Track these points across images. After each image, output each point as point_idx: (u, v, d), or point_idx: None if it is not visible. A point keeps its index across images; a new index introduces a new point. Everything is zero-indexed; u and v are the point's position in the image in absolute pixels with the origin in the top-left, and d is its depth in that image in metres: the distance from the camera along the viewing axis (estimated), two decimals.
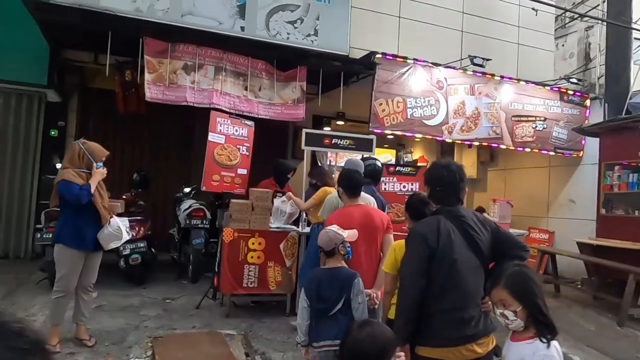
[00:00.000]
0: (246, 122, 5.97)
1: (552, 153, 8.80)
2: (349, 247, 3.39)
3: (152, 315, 5.25)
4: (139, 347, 4.36)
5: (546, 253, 7.77)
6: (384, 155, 14.04)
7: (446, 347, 2.40)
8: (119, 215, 6.02)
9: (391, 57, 7.47)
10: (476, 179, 11.56)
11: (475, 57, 7.24)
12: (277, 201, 5.35)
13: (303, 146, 5.64)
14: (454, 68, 7.84)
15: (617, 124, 7.17)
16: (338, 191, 4.10)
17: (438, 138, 7.95)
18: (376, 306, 3.63)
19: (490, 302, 2.45)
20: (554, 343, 2.06)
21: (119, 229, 4.09)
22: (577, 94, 8.92)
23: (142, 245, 6.26)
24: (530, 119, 8.51)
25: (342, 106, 9.06)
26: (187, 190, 7.44)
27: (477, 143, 8.36)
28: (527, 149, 8.61)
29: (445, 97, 7.84)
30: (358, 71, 7.51)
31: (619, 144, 7.22)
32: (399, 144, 12.77)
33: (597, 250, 7.18)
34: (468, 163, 11.76)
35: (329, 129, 10.29)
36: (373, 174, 4.85)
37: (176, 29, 6.43)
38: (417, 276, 2.44)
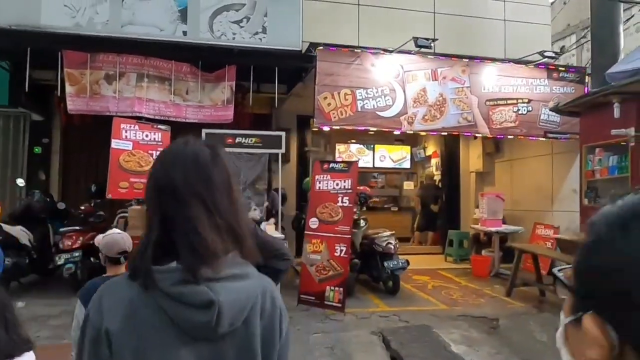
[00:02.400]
0: (160, 126, 5.87)
1: (542, 139, 7.80)
2: None
3: (55, 325, 5.26)
4: None
5: (524, 252, 6.84)
6: (399, 153, 13.45)
7: None
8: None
9: (335, 48, 7.02)
10: (483, 172, 10.61)
11: (419, 38, 6.57)
12: None
13: None
14: (409, 52, 7.20)
15: (591, 100, 6.14)
16: None
17: (397, 130, 7.34)
18: None
19: None
20: None
21: None
22: (572, 70, 7.85)
23: (77, 254, 6.36)
24: (509, 102, 7.60)
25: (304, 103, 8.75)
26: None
27: (445, 133, 7.61)
28: (510, 136, 7.72)
29: (402, 86, 7.22)
30: (295, 66, 7.15)
31: (598, 122, 6.18)
32: (397, 139, 12.09)
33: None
34: (474, 155, 10.88)
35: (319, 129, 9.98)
36: None
37: (99, 39, 6.50)
38: None
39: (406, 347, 4.75)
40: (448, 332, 5.23)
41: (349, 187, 6.01)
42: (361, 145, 13.35)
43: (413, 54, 7.20)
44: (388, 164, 13.35)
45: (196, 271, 0.96)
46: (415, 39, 6.57)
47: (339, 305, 5.77)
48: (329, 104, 6.95)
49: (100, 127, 8.57)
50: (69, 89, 6.03)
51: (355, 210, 7.53)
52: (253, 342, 1.03)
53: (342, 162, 6.62)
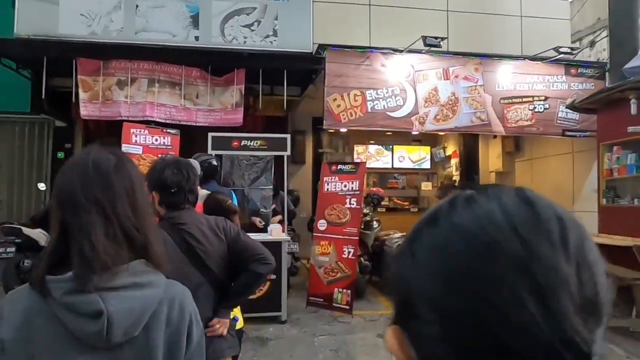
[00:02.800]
0: (169, 130, 5.98)
1: (559, 137, 7.58)
2: None
3: None
4: None
5: None
6: (417, 153, 13.30)
7: None
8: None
9: (344, 49, 7.00)
10: (503, 172, 10.38)
11: (427, 37, 6.47)
12: None
13: (210, 151, 5.47)
14: (419, 52, 7.10)
15: (607, 96, 5.93)
16: None
17: (409, 130, 7.27)
18: None
19: (218, 326, 2.15)
20: None
21: None
22: (590, 65, 7.60)
23: None
24: (525, 100, 7.41)
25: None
26: None
27: (458, 132, 7.48)
28: (526, 135, 7.53)
29: (413, 85, 7.14)
30: (306, 68, 7.17)
31: (615, 119, 5.97)
32: (415, 139, 11.96)
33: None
34: (494, 154, 10.68)
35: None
36: (208, 172, 4.73)
37: (113, 46, 6.67)
38: None
39: None
40: None
41: (357, 188, 5.98)
42: (380, 146, 13.25)
43: (423, 53, 7.10)
44: (407, 164, 13.21)
45: (86, 280, 0.96)
46: (424, 38, 6.48)
47: (347, 307, 5.75)
48: (338, 106, 6.93)
49: (118, 132, 8.83)
50: (82, 95, 6.21)
51: (367, 211, 7.51)
52: (153, 351, 1.04)
53: (350, 163, 6.59)
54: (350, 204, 5.98)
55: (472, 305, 0.44)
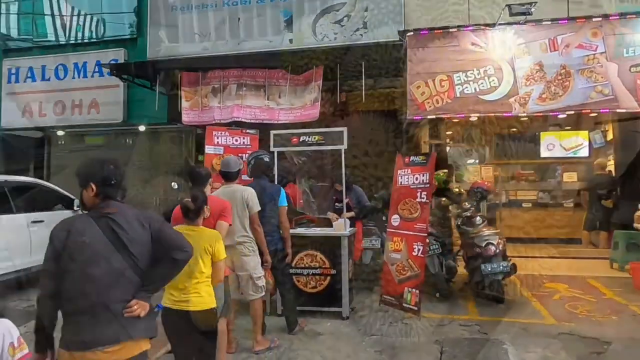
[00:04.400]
0: (249, 131, 6.36)
1: None
2: None
3: None
4: None
5: None
6: (573, 139, 11.47)
7: (67, 351, 2.31)
8: None
9: (426, 32, 6.50)
10: None
11: (512, 5, 5.54)
12: None
13: (272, 148, 5.63)
14: (517, 23, 6.17)
15: None
16: None
17: (506, 114, 6.37)
18: None
19: (136, 307, 2.37)
20: None
21: None
22: None
23: None
24: None
25: None
26: None
27: (570, 112, 6.28)
28: None
29: (511, 62, 6.24)
30: (395, 57, 6.85)
31: None
32: (553, 124, 10.29)
33: None
34: None
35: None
36: (257, 167, 4.83)
37: (213, 58, 7.43)
38: (44, 276, 2.38)
39: None
40: (525, 351, 4.37)
41: (427, 181, 5.50)
42: None
43: (522, 24, 6.16)
44: (558, 152, 11.48)
45: None
46: (509, 7, 5.62)
47: (415, 308, 5.34)
48: (422, 93, 6.48)
49: None
50: (184, 104, 7.05)
51: (469, 206, 6.87)
52: None
53: (422, 154, 6.07)
54: (420, 197, 5.53)
55: None
